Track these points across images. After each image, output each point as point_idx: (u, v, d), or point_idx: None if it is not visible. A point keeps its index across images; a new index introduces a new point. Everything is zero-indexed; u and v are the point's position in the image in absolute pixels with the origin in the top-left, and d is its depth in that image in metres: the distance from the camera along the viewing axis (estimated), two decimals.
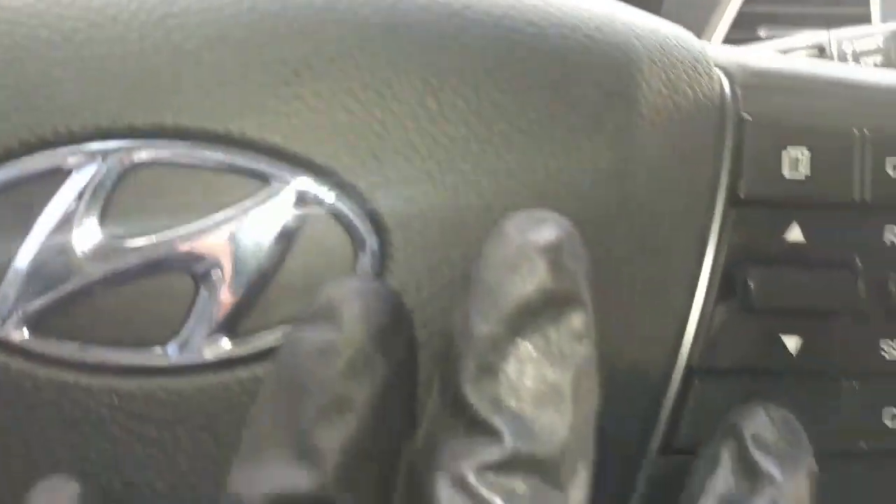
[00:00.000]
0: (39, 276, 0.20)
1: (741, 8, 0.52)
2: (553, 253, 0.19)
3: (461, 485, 0.18)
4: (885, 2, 0.44)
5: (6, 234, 0.20)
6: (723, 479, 0.21)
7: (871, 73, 0.26)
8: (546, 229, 0.19)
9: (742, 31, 0.47)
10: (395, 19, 0.22)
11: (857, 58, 0.36)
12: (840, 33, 0.36)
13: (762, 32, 0.45)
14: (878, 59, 0.35)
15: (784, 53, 0.39)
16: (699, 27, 0.50)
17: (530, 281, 0.18)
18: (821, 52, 0.37)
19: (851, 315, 0.23)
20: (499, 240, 0.19)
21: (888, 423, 0.23)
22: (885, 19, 0.44)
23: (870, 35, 0.35)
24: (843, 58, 0.37)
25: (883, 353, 0.23)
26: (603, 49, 0.22)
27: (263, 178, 0.21)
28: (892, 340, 0.23)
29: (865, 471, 0.24)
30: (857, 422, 0.23)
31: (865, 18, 0.48)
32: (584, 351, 0.19)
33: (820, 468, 0.21)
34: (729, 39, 0.52)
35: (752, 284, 0.23)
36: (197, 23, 0.21)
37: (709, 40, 0.53)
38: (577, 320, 0.19)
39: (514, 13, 0.22)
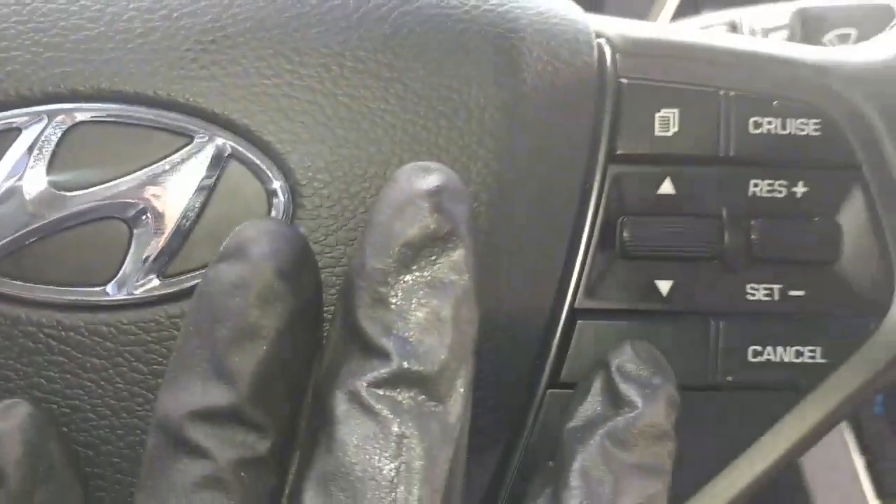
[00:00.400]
0: None
1: None
2: (435, 197, 0.20)
3: (356, 399, 0.20)
4: None
5: None
6: (591, 406, 0.23)
7: (739, 41, 0.27)
8: (430, 177, 0.21)
9: (687, 15, 0.48)
10: None
11: (766, 33, 0.38)
12: (752, 11, 0.38)
13: (705, 14, 0.47)
14: (785, 34, 0.37)
15: (702, 30, 0.41)
16: (644, 11, 0.51)
17: (415, 222, 0.20)
18: (733, 28, 0.39)
19: (719, 261, 0.25)
20: (390, 186, 0.21)
21: (751, 359, 0.25)
22: None
23: (778, 13, 0.37)
24: (753, 33, 0.38)
25: (748, 295, 0.25)
26: (489, 19, 0.24)
27: (188, 135, 0.23)
28: (756, 284, 0.25)
29: (731, 402, 0.25)
30: (725, 358, 0.25)
31: None
32: (463, 283, 0.20)
33: (689, 400, 0.23)
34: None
35: (626, 234, 0.24)
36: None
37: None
38: (457, 255, 0.20)
39: None
